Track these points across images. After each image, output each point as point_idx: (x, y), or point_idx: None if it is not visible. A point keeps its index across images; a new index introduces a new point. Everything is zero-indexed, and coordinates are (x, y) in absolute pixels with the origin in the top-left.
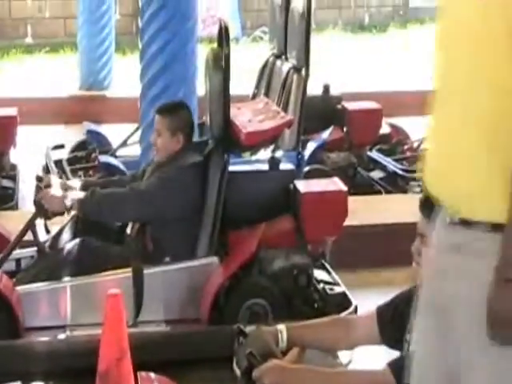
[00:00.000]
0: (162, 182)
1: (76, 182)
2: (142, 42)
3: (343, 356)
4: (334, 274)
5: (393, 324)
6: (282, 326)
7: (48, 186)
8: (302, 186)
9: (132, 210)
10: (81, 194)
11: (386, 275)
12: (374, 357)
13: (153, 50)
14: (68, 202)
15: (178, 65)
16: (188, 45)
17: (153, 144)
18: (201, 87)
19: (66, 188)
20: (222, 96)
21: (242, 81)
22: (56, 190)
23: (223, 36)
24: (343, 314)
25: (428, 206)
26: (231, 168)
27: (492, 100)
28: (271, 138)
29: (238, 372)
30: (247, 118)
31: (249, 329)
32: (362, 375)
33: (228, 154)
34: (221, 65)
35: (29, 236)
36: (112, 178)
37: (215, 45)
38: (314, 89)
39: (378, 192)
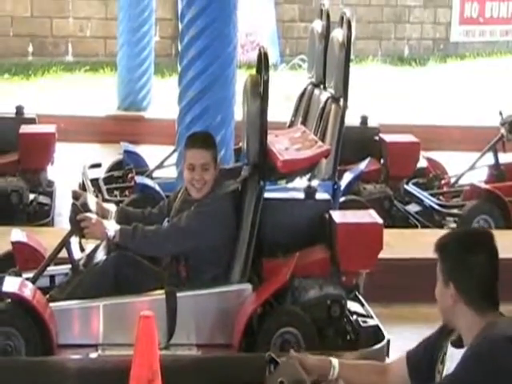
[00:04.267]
0: (203, 216)
1: (112, 206)
2: (181, 66)
3: None
4: (367, 306)
5: (422, 365)
6: (335, 361)
7: (84, 204)
8: (338, 216)
9: (173, 246)
10: (123, 226)
11: (421, 311)
12: None
13: (192, 74)
14: (110, 233)
15: (217, 89)
16: (227, 69)
17: (196, 182)
18: (238, 112)
19: (102, 210)
20: (259, 122)
21: (279, 108)
22: (97, 216)
23: (262, 62)
24: (375, 348)
25: None
26: (267, 195)
27: None
28: (308, 166)
29: None
30: (284, 146)
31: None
32: None
33: (264, 180)
34: (259, 91)
35: (64, 253)
36: (143, 210)
37: (254, 70)
38: (352, 119)
39: (414, 226)
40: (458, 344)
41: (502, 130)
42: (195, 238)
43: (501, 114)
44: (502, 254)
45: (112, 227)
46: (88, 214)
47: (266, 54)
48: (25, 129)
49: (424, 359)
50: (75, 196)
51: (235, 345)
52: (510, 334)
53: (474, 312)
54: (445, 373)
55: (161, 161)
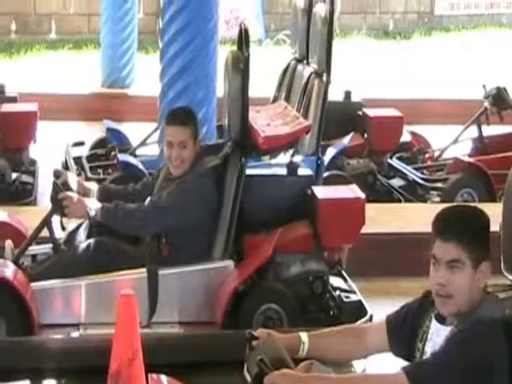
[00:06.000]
0: (183, 194)
1: (93, 185)
2: (163, 42)
3: (357, 366)
4: (350, 281)
5: (401, 332)
6: (304, 336)
7: (65, 183)
8: (320, 191)
9: (154, 225)
10: (104, 205)
11: (403, 285)
12: (388, 366)
13: (173, 50)
14: (92, 212)
15: (198, 66)
16: (208, 46)
17: (174, 159)
18: (221, 89)
19: (83, 188)
20: (241, 99)
21: (264, 83)
22: (77, 195)
23: (243, 39)
24: (358, 323)
25: None
26: (249, 171)
27: None
28: (288, 143)
29: (248, 378)
30: (266, 122)
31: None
32: (376, 379)
33: (245, 157)
34: (240, 67)
35: (45, 232)
36: (126, 186)
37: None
38: (335, 94)
39: (398, 200)
40: (443, 319)
41: (486, 103)
42: (176, 215)
43: (484, 87)
44: None
45: (93, 206)
46: (69, 193)
47: (246, 30)
48: (6, 107)
49: (404, 328)
50: (56, 175)
51: (217, 322)
52: (498, 317)
53: (482, 287)
54: (430, 349)
55: (144, 138)
